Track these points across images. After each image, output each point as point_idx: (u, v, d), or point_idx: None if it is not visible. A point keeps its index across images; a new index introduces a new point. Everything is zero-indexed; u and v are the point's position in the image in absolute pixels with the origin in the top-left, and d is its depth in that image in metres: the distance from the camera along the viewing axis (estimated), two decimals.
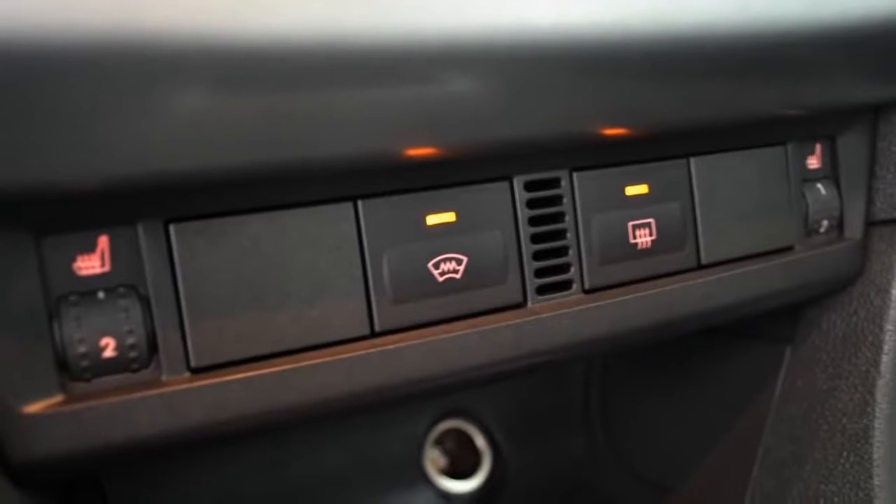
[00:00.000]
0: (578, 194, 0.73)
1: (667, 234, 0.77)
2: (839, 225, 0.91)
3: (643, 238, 0.76)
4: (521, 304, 0.71)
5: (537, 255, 0.71)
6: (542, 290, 0.72)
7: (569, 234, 0.73)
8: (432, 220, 0.66)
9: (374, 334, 0.65)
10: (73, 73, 0.49)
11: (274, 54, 0.54)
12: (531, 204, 0.71)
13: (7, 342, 0.53)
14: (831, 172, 0.91)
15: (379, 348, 0.64)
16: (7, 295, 0.52)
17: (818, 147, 0.89)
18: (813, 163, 0.89)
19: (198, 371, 0.59)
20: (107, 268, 0.56)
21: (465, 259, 0.67)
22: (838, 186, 0.90)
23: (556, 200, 0.72)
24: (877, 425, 0.87)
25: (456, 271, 0.67)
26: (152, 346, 0.57)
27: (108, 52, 0.49)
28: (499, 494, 1.20)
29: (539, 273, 0.72)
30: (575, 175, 0.73)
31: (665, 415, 1.13)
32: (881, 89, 0.86)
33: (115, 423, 0.55)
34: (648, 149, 0.77)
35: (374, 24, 0.57)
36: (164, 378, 0.58)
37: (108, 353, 0.55)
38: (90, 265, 0.56)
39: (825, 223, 0.89)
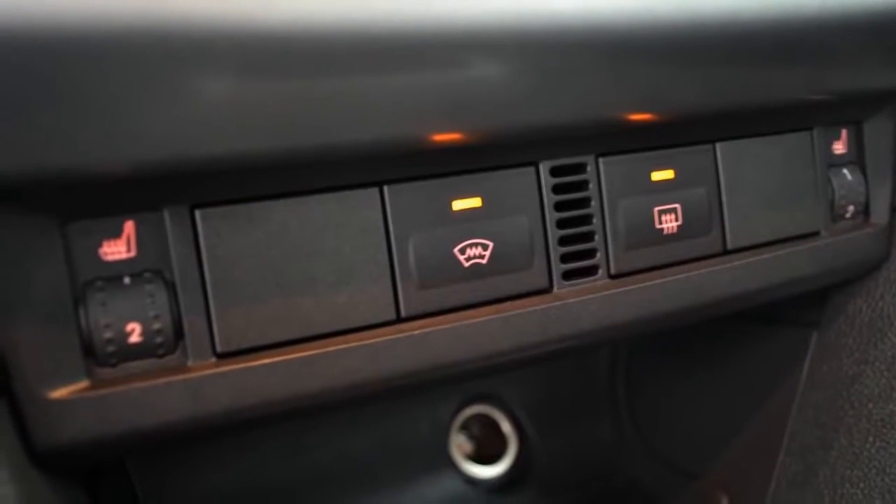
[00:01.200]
0: (604, 179, 0.72)
1: (693, 220, 0.76)
2: (865, 210, 0.90)
3: (669, 223, 0.75)
4: (547, 290, 0.70)
5: (563, 241, 0.70)
6: (567, 275, 0.71)
7: (595, 220, 0.72)
8: (458, 205, 0.66)
9: (399, 319, 0.64)
10: (100, 59, 0.48)
11: (299, 40, 0.54)
12: (557, 189, 0.70)
13: (33, 328, 0.52)
14: (857, 158, 0.89)
15: (405, 333, 0.63)
16: (33, 280, 0.52)
17: (844, 132, 0.88)
18: (839, 148, 0.88)
19: (223, 356, 0.58)
20: (133, 253, 0.56)
21: (490, 244, 0.67)
22: (864, 172, 0.89)
23: (582, 186, 0.71)
24: None
25: (482, 256, 0.66)
26: (178, 332, 0.57)
27: (135, 38, 0.49)
28: (524, 479, 1.19)
29: (565, 258, 0.71)
30: (601, 160, 0.72)
31: (691, 400, 1.13)
32: None
33: (141, 409, 0.54)
34: (674, 134, 0.76)
35: (400, 8, 0.57)
36: (189, 363, 0.57)
37: (134, 338, 0.55)
38: (116, 250, 0.55)
39: (851, 208, 0.88)
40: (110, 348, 0.54)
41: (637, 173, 0.74)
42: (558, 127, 0.66)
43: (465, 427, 1.18)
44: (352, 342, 0.61)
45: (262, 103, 0.54)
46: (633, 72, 0.67)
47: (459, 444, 1.17)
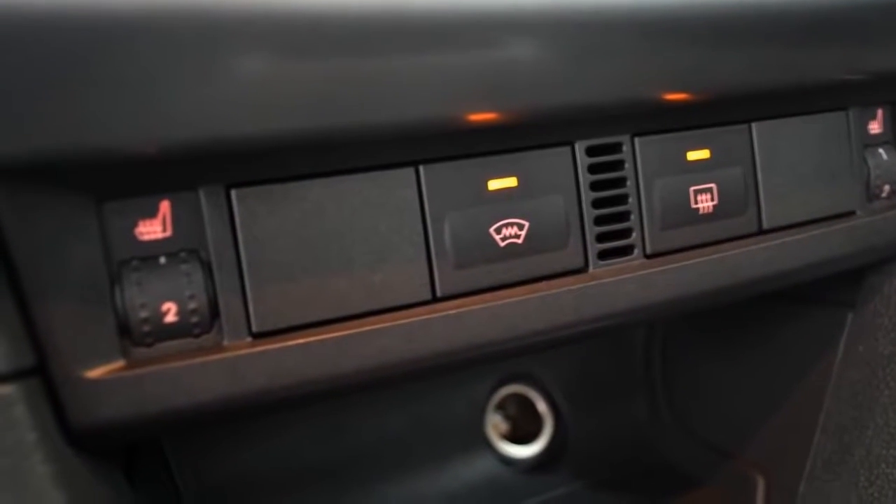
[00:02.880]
0: (640, 159, 0.71)
1: (728, 199, 0.75)
2: None
3: (705, 203, 0.74)
4: (583, 269, 0.69)
5: (599, 220, 0.69)
6: (603, 255, 0.70)
7: (630, 199, 0.71)
8: (494, 184, 0.65)
9: (435, 299, 0.63)
10: (136, 39, 0.48)
11: (336, 18, 0.53)
12: (593, 169, 0.69)
13: (69, 307, 0.52)
14: (892, 137, 0.88)
15: (440, 313, 0.62)
16: (69, 260, 0.51)
17: (880, 112, 0.87)
18: (874, 128, 0.87)
19: (259, 336, 0.57)
20: (168, 233, 0.55)
21: (526, 224, 0.66)
22: None
23: (618, 165, 0.70)
24: None
25: (517, 236, 0.65)
26: (214, 311, 0.56)
27: (170, 18, 0.49)
28: (560, 459, 1.19)
29: (600, 238, 0.69)
30: (637, 140, 0.71)
31: (726, 380, 1.12)
32: None
33: (177, 388, 0.54)
34: (710, 114, 0.74)
35: None
36: (225, 343, 0.56)
37: (170, 317, 0.54)
38: (152, 230, 0.54)
39: (887, 188, 0.86)
40: (146, 328, 0.54)
41: (673, 153, 0.73)
42: (594, 106, 0.65)
43: (500, 407, 1.18)
44: (387, 322, 0.60)
45: (299, 83, 0.53)
46: (670, 51, 0.66)
47: (495, 424, 1.17)
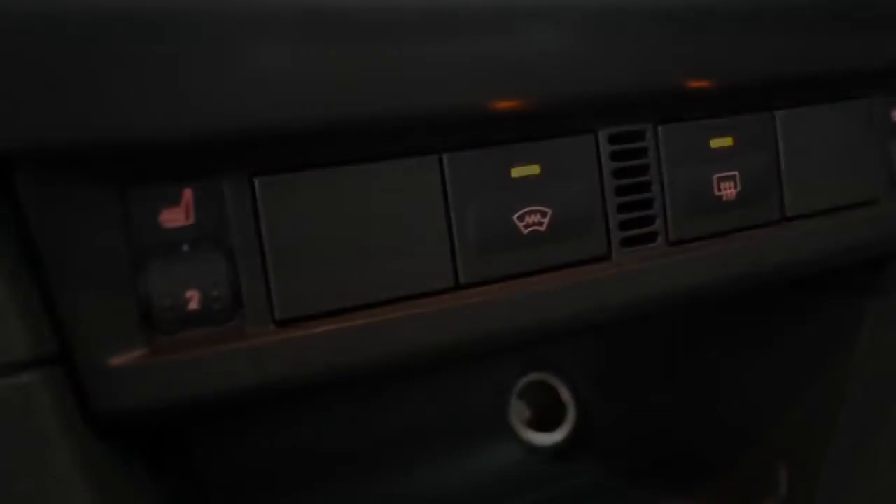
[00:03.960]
0: (663, 147, 0.70)
1: (752, 187, 0.74)
2: None
3: (728, 190, 0.73)
4: (606, 257, 0.68)
5: (622, 208, 0.68)
6: (626, 242, 0.69)
7: (653, 187, 0.70)
8: (517, 172, 0.64)
9: (458, 287, 0.62)
10: (160, 27, 0.48)
11: (359, 6, 0.53)
12: (616, 156, 0.68)
13: (92, 295, 0.51)
14: None
15: (463, 301, 0.61)
16: (92, 248, 0.51)
17: None
18: None
19: (283, 324, 0.56)
20: (191, 220, 0.54)
21: (549, 211, 0.65)
22: None
23: (641, 153, 0.69)
24: None
25: (540, 224, 0.64)
26: (237, 299, 0.55)
27: (195, 5, 0.49)
28: (583, 447, 1.18)
29: (623, 225, 0.69)
30: (660, 128, 0.70)
31: (749, 368, 1.11)
32: None
33: (200, 376, 0.53)
34: (733, 102, 0.73)
35: None
36: (248, 331, 0.56)
37: (193, 305, 0.54)
38: (175, 218, 0.54)
39: None
40: (169, 315, 0.53)
41: (696, 140, 0.72)
42: (617, 94, 0.65)
43: (524, 394, 1.17)
44: (410, 310, 0.60)
45: (322, 71, 0.53)
46: (694, 39, 0.66)
47: (518, 412, 1.16)
